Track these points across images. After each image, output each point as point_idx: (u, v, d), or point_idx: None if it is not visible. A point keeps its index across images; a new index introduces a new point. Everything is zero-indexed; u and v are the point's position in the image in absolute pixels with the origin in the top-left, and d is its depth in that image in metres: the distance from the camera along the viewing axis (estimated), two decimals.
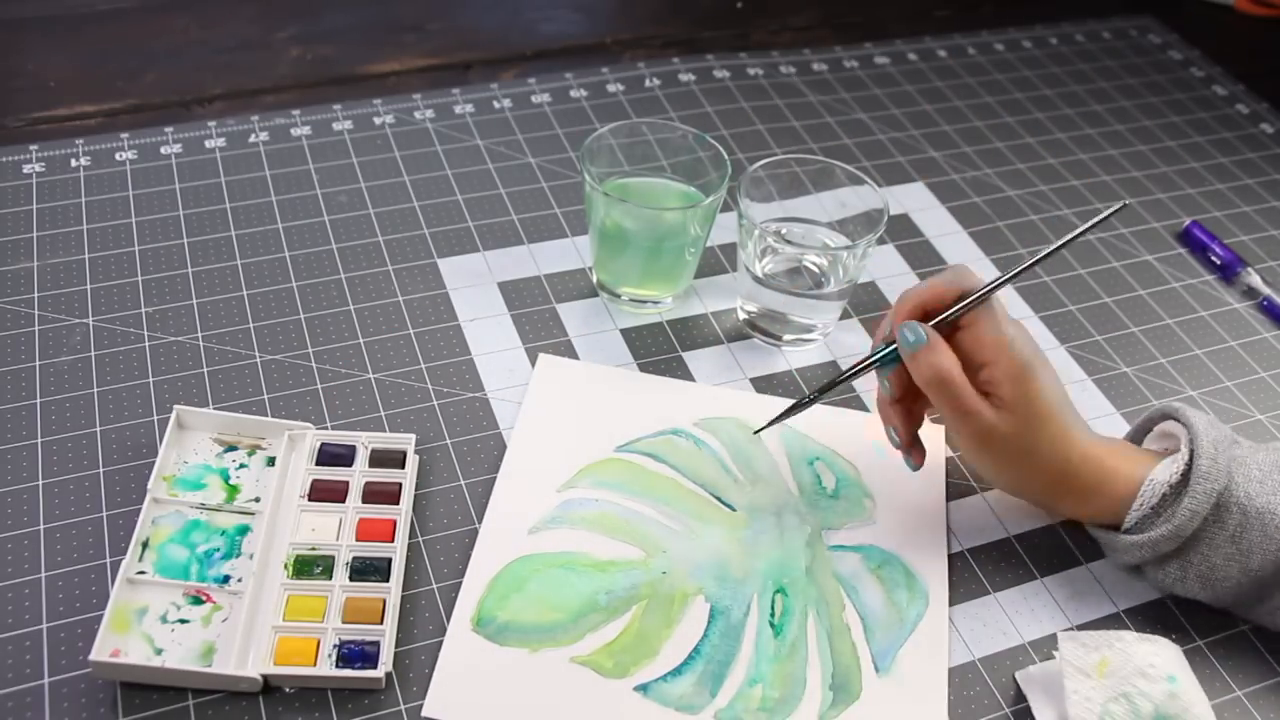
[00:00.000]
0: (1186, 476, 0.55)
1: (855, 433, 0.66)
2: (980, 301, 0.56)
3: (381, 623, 0.54)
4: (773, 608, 0.57)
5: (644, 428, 0.65)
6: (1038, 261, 0.58)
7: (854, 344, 0.72)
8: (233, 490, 0.59)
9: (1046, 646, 0.58)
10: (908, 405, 0.59)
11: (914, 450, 0.60)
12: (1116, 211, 0.58)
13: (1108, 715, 0.52)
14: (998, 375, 0.55)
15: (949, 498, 0.64)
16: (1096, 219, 0.57)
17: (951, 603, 0.59)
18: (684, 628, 0.56)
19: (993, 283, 0.56)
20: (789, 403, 0.61)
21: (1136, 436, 0.62)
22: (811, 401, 0.60)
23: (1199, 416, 0.57)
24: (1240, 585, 0.55)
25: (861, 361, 0.60)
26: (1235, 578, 0.55)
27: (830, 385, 0.61)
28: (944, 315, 0.56)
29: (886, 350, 0.58)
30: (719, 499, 0.62)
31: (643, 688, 0.54)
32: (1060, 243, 0.57)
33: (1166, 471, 0.55)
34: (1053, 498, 0.59)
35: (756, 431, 0.63)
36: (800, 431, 0.66)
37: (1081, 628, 0.58)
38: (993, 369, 0.55)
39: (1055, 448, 0.56)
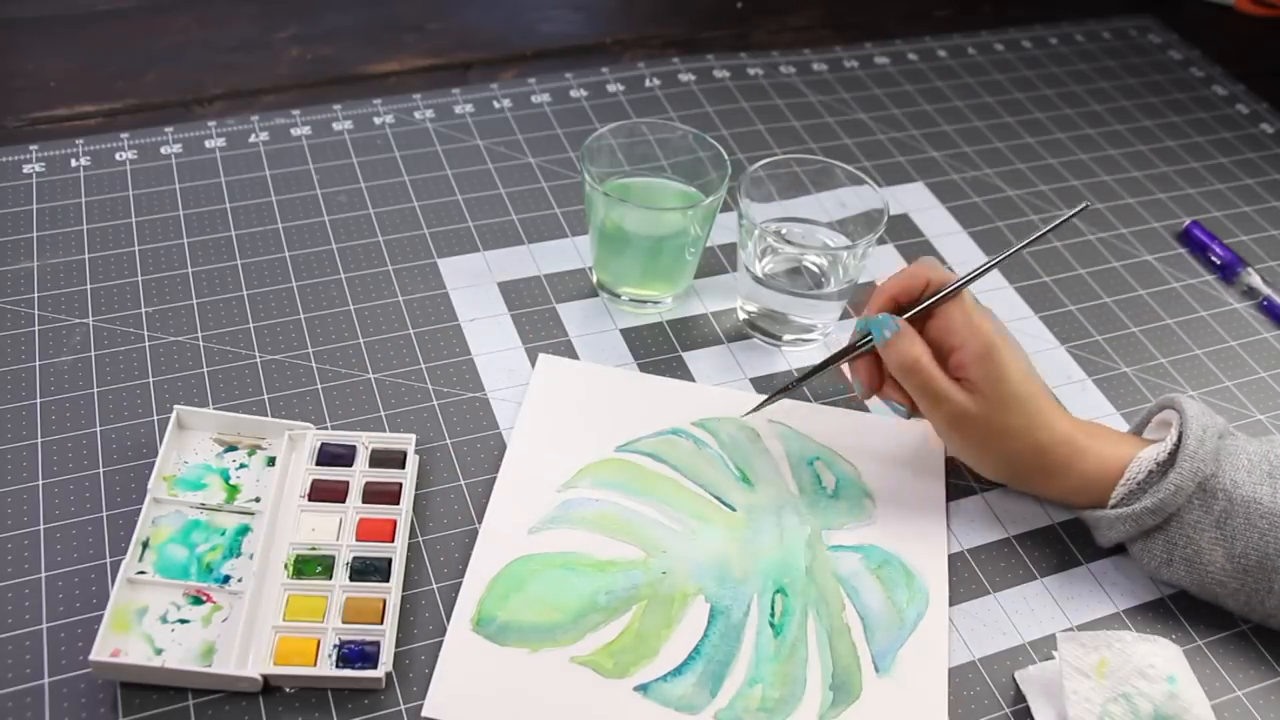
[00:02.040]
0: (1174, 457, 0.57)
1: (855, 433, 0.66)
2: (949, 297, 0.59)
3: (381, 623, 0.54)
4: (773, 608, 0.57)
5: (644, 428, 0.65)
6: (1000, 261, 0.61)
7: None
8: (233, 490, 0.59)
9: (1046, 646, 0.58)
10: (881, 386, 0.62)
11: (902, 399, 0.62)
12: (1080, 212, 0.60)
13: (1107, 716, 0.52)
14: (966, 359, 0.57)
15: (949, 498, 0.64)
16: (1058, 220, 0.60)
17: (951, 603, 0.59)
18: (684, 628, 0.56)
19: (961, 279, 0.59)
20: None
21: (1139, 429, 0.63)
22: (796, 386, 0.64)
23: (1193, 405, 0.58)
24: (1224, 571, 0.56)
25: (843, 350, 0.62)
26: (1220, 563, 0.56)
27: (813, 372, 0.64)
28: (916, 308, 0.59)
29: (864, 340, 0.60)
30: (719, 499, 0.62)
31: (643, 688, 0.54)
32: (1023, 244, 0.61)
33: (1155, 450, 0.57)
34: (1031, 478, 0.60)
35: (744, 415, 0.65)
36: (800, 431, 0.66)
37: (1081, 628, 0.58)
38: (961, 353, 0.58)
39: (1027, 427, 0.58)
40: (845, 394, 0.69)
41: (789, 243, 0.72)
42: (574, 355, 0.69)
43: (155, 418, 0.63)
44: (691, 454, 0.64)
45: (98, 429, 0.62)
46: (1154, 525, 0.57)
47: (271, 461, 0.60)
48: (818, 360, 0.71)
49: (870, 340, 0.60)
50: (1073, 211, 0.60)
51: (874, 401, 0.69)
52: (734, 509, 0.62)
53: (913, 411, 0.61)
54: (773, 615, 0.57)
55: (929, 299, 0.59)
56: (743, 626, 0.57)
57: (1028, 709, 0.55)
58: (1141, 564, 0.59)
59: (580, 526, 0.60)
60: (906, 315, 0.59)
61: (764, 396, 0.66)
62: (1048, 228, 0.60)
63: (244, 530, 0.57)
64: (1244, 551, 0.55)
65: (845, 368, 0.64)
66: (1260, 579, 0.55)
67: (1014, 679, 0.56)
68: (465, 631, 0.55)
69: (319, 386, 0.66)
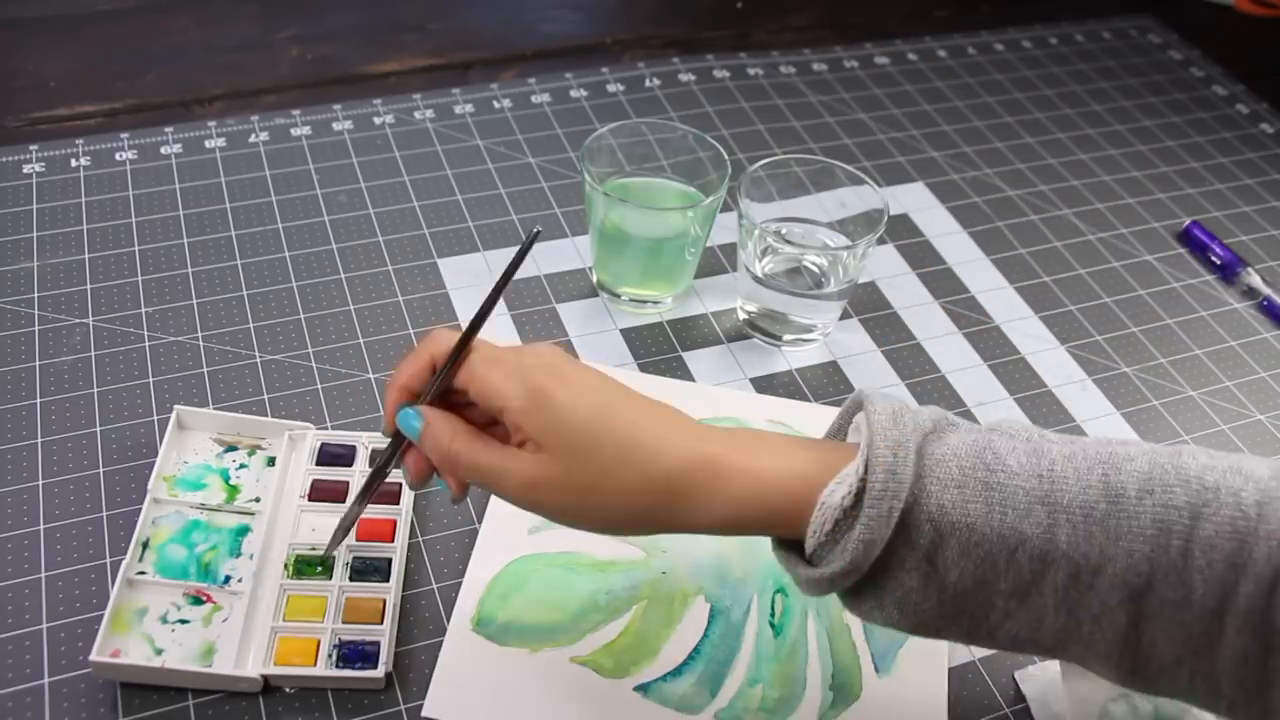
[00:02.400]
0: (862, 495, 0.43)
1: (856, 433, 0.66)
2: (452, 363, 0.48)
3: (381, 623, 0.54)
4: (773, 608, 0.57)
5: None
6: (485, 313, 0.51)
7: (854, 344, 0.72)
8: (233, 490, 0.59)
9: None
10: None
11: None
12: (533, 239, 0.51)
13: (1107, 716, 0.51)
14: (516, 416, 0.45)
15: None
16: (520, 251, 0.51)
17: None
18: (684, 628, 0.56)
19: (461, 342, 0.48)
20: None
21: (838, 433, 0.50)
22: (340, 538, 0.54)
23: (880, 413, 0.45)
24: (942, 605, 0.44)
25: (382, 463, 0.51)
26: (934, 597, 0.44)
27: (358, 504, 0.52)
28: (427, 389, 0.48)
29: (399, 448, 0.50)
30: None
31: (643, 688, 0.54)
32: (497, 286, 0.51)
33: (839, 491, 0.44)
34: (652, 519, 0.46)
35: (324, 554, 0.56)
36: (800, 431, 0.66)
37: None
38: (509, 412, 0.46)
39: (618, 464, 0.45)
40: (845, 394, 0.69)
41: (789, 243, 0.72)
42: (574, 355, 0.69)
43: (155, 418, 0.63)
44: None
45: (98, 429, 0.62)
46: (861, 583, 0.44)
47: (271, 461, 0.60)
48: (817, 360, 0.71)
49: (405, 442, 0.49)
50: (529, 239, 0.50)
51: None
52: None
53: (457, 495, 0.49)
54: (773, 615, 0.57)
55: (439, 371, 0.48)
56: (743, 626, 0.57)
57: (1028, 709, 0.55)
58: (853, 612, 0.47)
59: None
60: (426, 398, 0.48)
61: (770, 399, 0.66)
62: (513, 261, 0.51)
63: (244, 530, 0.57)
64: (959, 580, 0.43)
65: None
66: (980, 601, 0.44)
67: (1014, 679, 0.56)
68: (465, 631, 0.55)
69: (319, 386, 0.66)
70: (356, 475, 0.60)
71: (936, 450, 0.44)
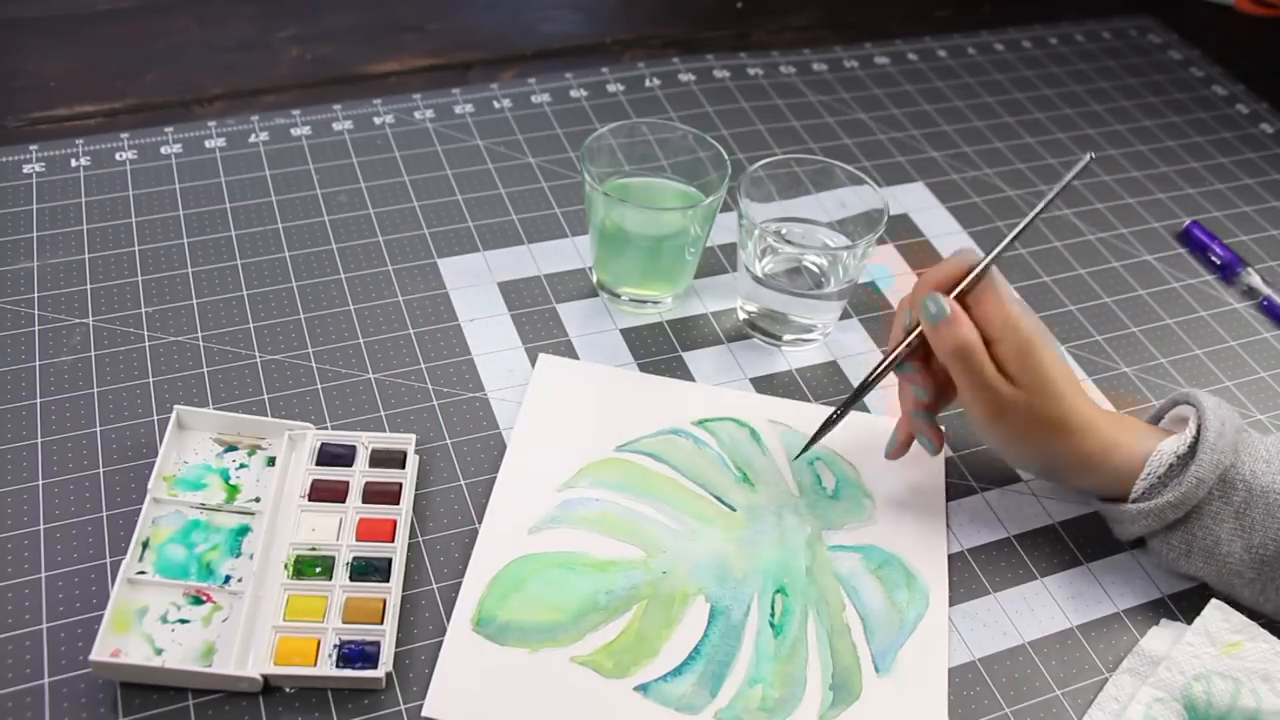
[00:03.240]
0: (1194, 449, 0.57)
1: (856, 433, 0.66)
2: (984, 273, 0.57)
3: (382, 623, 0.54)
4: (773, 608, 0.57)
5: (644, 427, 0.65)
6: (1021, 230, 0.59)
7: (854, 344, 0.72)
8: (233, 490, 0.59)
9: (1046, 647, 0.58)
10: (933, 407, 0.61)
11: (936, 436, 0.61)
12: (1086, 165, 0.58)
13: (1204, 679, 0.53)
14: (1006, 351, 0.56)
15: (949, 498, 0.64)
16: (1069, 175, 0.58)
17: (951, 603, 0.59)
18: (684, 628, 0.56)
19: (991, 254, 0.58)
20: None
21: (1153, 423, 0.63)
22: (843, 414, 0.61)
23: (1210, 398, 0.59)
24: (1243, 562, 0.56)
25: (883, 363, 0.60)
26: (1239, 554, 0.56)
27: (858, 394, 0.61)
28: (956, 288, 0.58)
29: (908, 342, 0.59)
30: (719, 499, 0.62)
31: (643, 688, 0.54)
32: (1039, 209, 0.58)
33: (1174, 443, 0.57)
34: (1066, 472, 0.60)
35: (797, 457, 0.64)
36: (801, 432, 0.66)
37: (1081, 628, 0.58)
38: (1000, 345, 0.56)
39: (1064, 422, 0.57)
40: (845, 394, 0.69)
41: (789, 243, 0.72)
42: (574, 355, 0.69)
43: (155, 418, 0.63)
44: (691, 454, 0.64)
45: (98, 429, 0.62)
46: (1175, 519, 0.57)
47: (271, 461, 0.60)
48: (817, 360, 0.71)
49: (913, 341, 0.58)
50: (1081, 163, 0.58)
51: (872, 401, 0.69)
52: (734, 509, 0.62)
53: (939, 448, 0.60)
54: (773, 615, 0.57)
55: (966, 279, 0.57)
56: (743, 626, 0.57)
57: (1028, 709, 0.55)
58: (1160, 557, 0.59)
59: (580, 526, 0.60)
60: (952, 295, 0.58)
61: (769, 399, 0.66)
62: (1059, 186, 0.58)
63: (244, 530, 0.57)
64: (1263, 542, 0.55)
65: (899, 427, 0.62)
66: (1277, 569, 0.56)
67: (1029, 669, 0.56)
68: (465, 631, 0.55)
69: (319, 386, 0.66)
70: (357, 475, 0.60)
71: (1249, 437, 0.58)
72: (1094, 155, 0.60)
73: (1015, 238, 0.59)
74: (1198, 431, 0.57)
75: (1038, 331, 0.57)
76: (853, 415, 0.67)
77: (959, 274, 0.58)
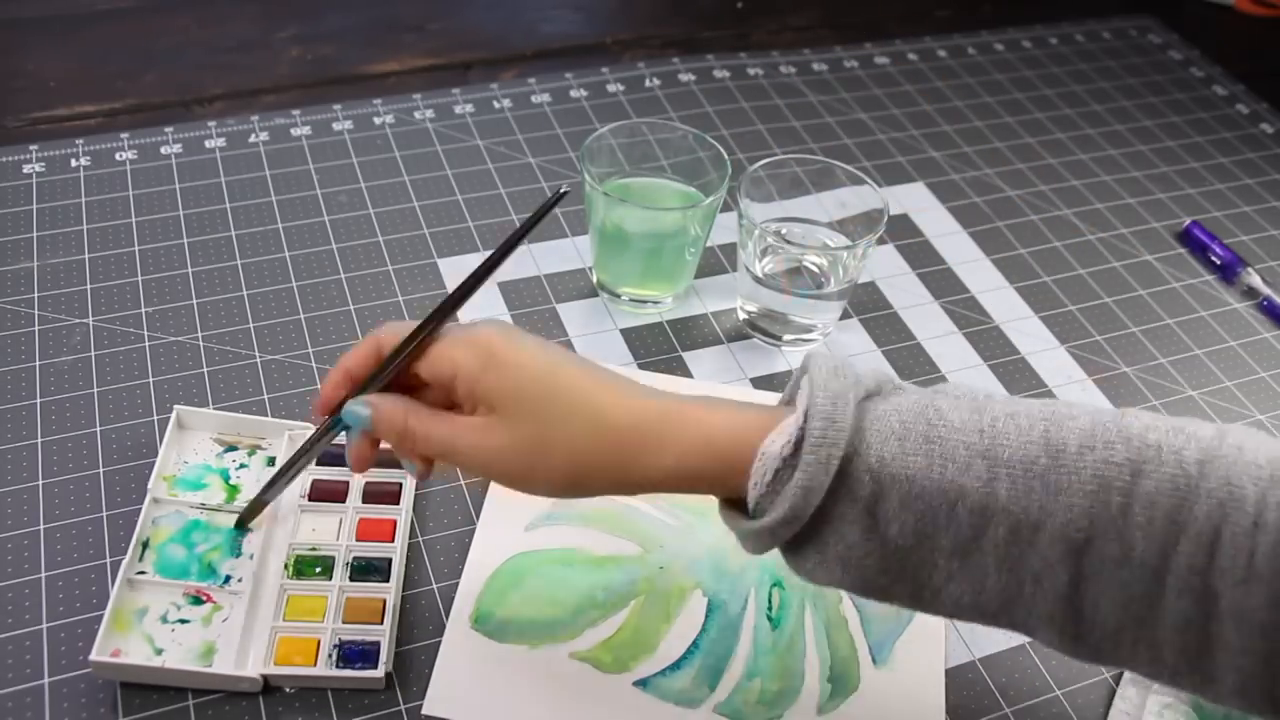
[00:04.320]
0: (801, 444, 0.43)
1: None
2: (407, 356, 0.48)
3: (381, 623, 0.54)
4: (770, 601, 0.58)
5: None
6: (464, 295, 0.50)
7: (854, 344, 0.72)
8: (233, 490, 0.59)
9: (1046, 647, 0.57)
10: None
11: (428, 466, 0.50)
12: (557, 200, 0.50)
13: None
14: (467, 383, 0.46)
15: None
16: (542, 210, 0.50)
17: None
18: (682, 622, 0.56)
19: (421, 324, 0.48)
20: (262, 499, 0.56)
21: (789, 398, 0.49)
22: (269, 492, 0.55)
23: (822, 368, 0.45)
24: (885, 561, 0.44)
25: (300, 453, 0.52)
26: (876, 552, 0.44)
27: (280, 478, 0.54)
28: (377, 372, 0.48)
29: (332, 431, 0.50)
30: None
31: (642, 682, 0.54)
32: (513, 237, 0.50)
33: (778, 440, 0.44)
34: (602, 474, 0.46)
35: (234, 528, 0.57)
36: None
37: None
38: (460, 379, 0.46)
39: (570, 417, 0.46)
40: None
41: (789, 243, 0.72)
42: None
43: (155, 418, 0.63)
44: None
45: (98, 429, 0.62)
46: (798, 531, 0.44)
47: (271, 461, 0.60)
48: None
49: (340, 427, 0.50)
50: (552, 199, 0.50)
51: None
52: None
53: (424, 472, 0.49)
54: (770, 608, 0.57)
55: (391, 359, 0.48)
56: (740, 620, 0.57)
57: (1028, 709, 0.55)
58: (798, 572, 0.46)
59: (577, 522, 0.60)
60: (374, 386, 0.48)
61: (769, 397, 0.66)
62: (530, 220, 0.50)
63: (244, 530, 0.57)
64: (900, 534, 0.43)
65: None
66: (922, 558, 0.44)
67: (1035, 670, 0.56)
68: (464, 629, 0.55)
69: (319, 386, 0.66)
70: (357, 475, 0.60)
71: (879, 407, 0.44)
72: (566, 190, 0.51)
73: (459, 299, 0.50)
74: (804, 420, 0.44)
75: (501, 335, 0.47)
76: None
77: (371, 352, 0.49)
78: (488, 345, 0.46)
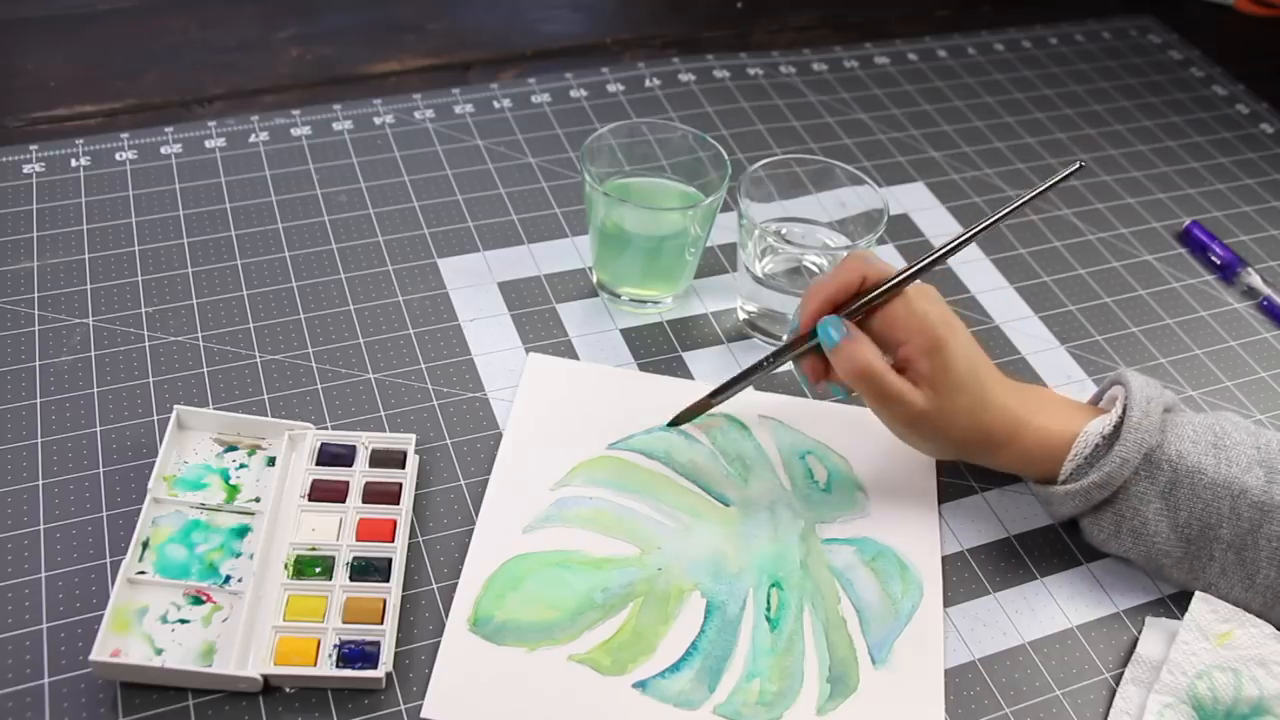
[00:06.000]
0: (1120, 429, 0.57)
1: (847, 426, 0.66)
2: (892, 294, 0.58)
3: (382, 623, 0.54)
4: (768, 602, 0.58)
5: (635, 425, 0.65)
6: (950, 250, 0.59)
7: None
8: (233, 490, 0.59)
9: (1046, 647, 0.58)
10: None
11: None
12: (1073, 173, 0.59)
13: (1207, 677, 0.53)
14: (913, 354, 0.57)
15: (948, 498, 0.64)
16: (1050, 183, 0.59)
17: (951, 603, 0.59)
18: (681, 624, 0.56)
19: (901, 273, 0.58)
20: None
21: (1094, 403, 0.63)
22: (724, 395, 0.63)
23: (1138, 378, 0.59)
24: (1169, 541, 0.57)
25: (773, 354, 0.61)
26: (1165, 533, 0.57)
27: (740, 379, 0.62)
28: (855, 305, 0.58)
29: (808, 344, 0.59)
30: (712, 494, 0.62)
31: (641, 684, 0.54)
32: (1000, 214, 0.60)
33: (1101, 424, 0.57)
34: (976, 454, 0.60)
35: (667, 426, 0.65)
36: (792, 426, 0.66)
37: (1081, 628, 0.59)
38: (907, 348, 0.57)
39: (970, 409, 0.57)
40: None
41: (789, 243, 0.72)
42: (574, 355, 0.69)
43: (155, 418, 0.63)
44: (683, 450, 0.64)
45: (98, 429, 0.62)
46: (1102, 499, 0.57)
47: (271, 461, 0.60)
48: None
49: (805, 345, 0.59)
50: (1067, 172, 0.58)
51: None
52: (727, 504, 0.62)
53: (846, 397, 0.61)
54: (769, 609, 0.57)
55: (868, 296, 0.58)
56: (739, 621, 0.57)
57: (1027, 709, 0.55)
58: (1090, 537, 0.60)
59: (575, 524, 0.60)
60: (847, 313, 0.58)
61: (770, 396, 0.66)
62: (1027, 196, 0.59)
63: (244, 530, 0.57)
64: (1188, 521, 0.56)
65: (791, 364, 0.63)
66: (1202, 548, 0.56)
67: (1034, 667, 0.56)
68: (462, 631, 0.55)
69: (319, 386, 0.66)
70: (357, 475, 0.60)
71: (1178, 417, 0.58)
72: (1083, 163, 0.60)
73: (935, 260, 0.59)
74: (1123, 411, 0.57)
75: (944, 326, 0.57)
76: (843, 408, 0.67)
77: (855, 282, 0.58)
78: (938, 336, 0.56)
